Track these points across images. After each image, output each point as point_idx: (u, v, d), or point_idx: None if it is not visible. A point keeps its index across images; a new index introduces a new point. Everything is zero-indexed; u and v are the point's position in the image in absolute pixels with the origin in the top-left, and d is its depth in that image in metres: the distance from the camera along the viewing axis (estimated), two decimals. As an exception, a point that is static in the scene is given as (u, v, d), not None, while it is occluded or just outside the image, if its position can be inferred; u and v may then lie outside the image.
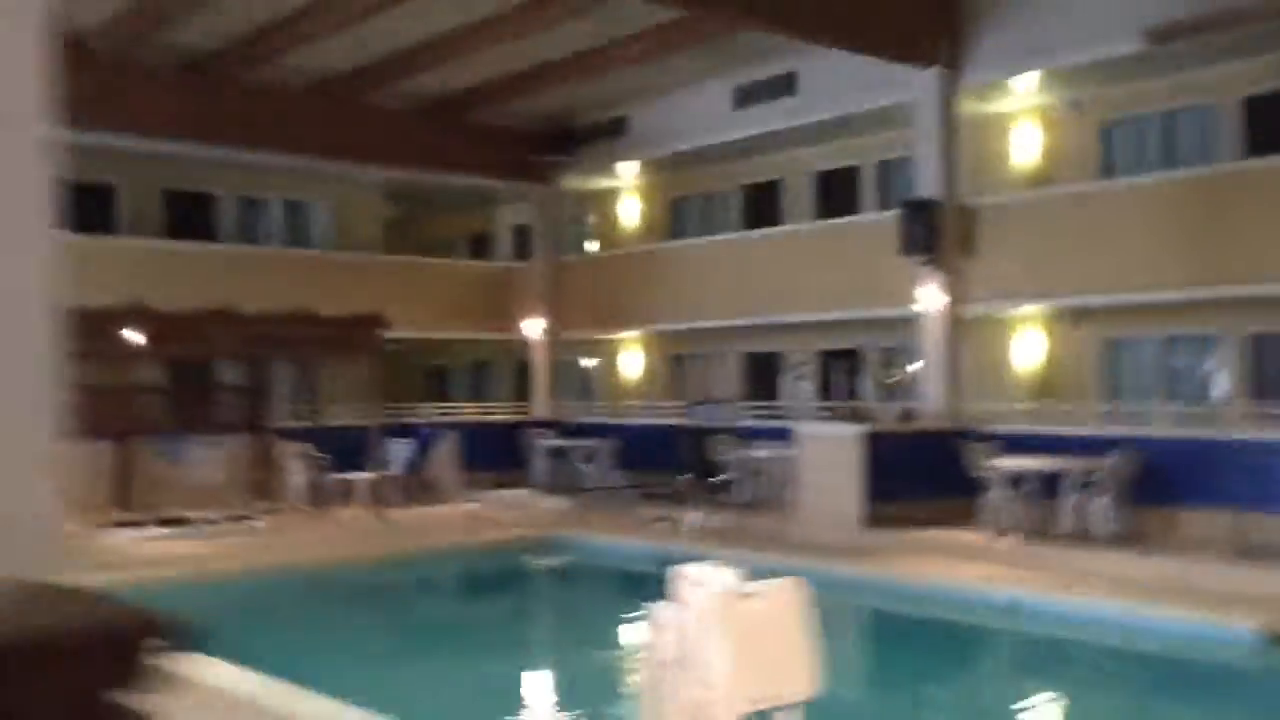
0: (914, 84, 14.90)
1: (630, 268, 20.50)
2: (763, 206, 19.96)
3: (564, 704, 8.26)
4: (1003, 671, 9.73)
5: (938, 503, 12.81)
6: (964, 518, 12.70)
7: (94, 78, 14.57)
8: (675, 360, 21.63)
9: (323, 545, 13.65)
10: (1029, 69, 14.61)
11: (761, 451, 15.14)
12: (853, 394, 17.01)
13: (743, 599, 4.05)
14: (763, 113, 17.42)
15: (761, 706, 4.07)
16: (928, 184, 14.92)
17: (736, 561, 4.63)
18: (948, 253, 14.67)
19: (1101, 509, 11.89)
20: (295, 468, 16.30)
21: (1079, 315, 15.61)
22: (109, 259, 16.98)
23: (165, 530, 13.99)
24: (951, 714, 8.39)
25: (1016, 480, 12.60)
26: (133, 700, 1.50)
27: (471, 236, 26.31)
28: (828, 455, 13.53)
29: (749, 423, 16.74)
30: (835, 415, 15.39)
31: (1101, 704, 8.62)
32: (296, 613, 11.26)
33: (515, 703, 8.37)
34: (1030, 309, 15.78)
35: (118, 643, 1.47)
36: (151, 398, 16.45)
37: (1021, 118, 16.30)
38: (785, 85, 17.03)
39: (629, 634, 10.65)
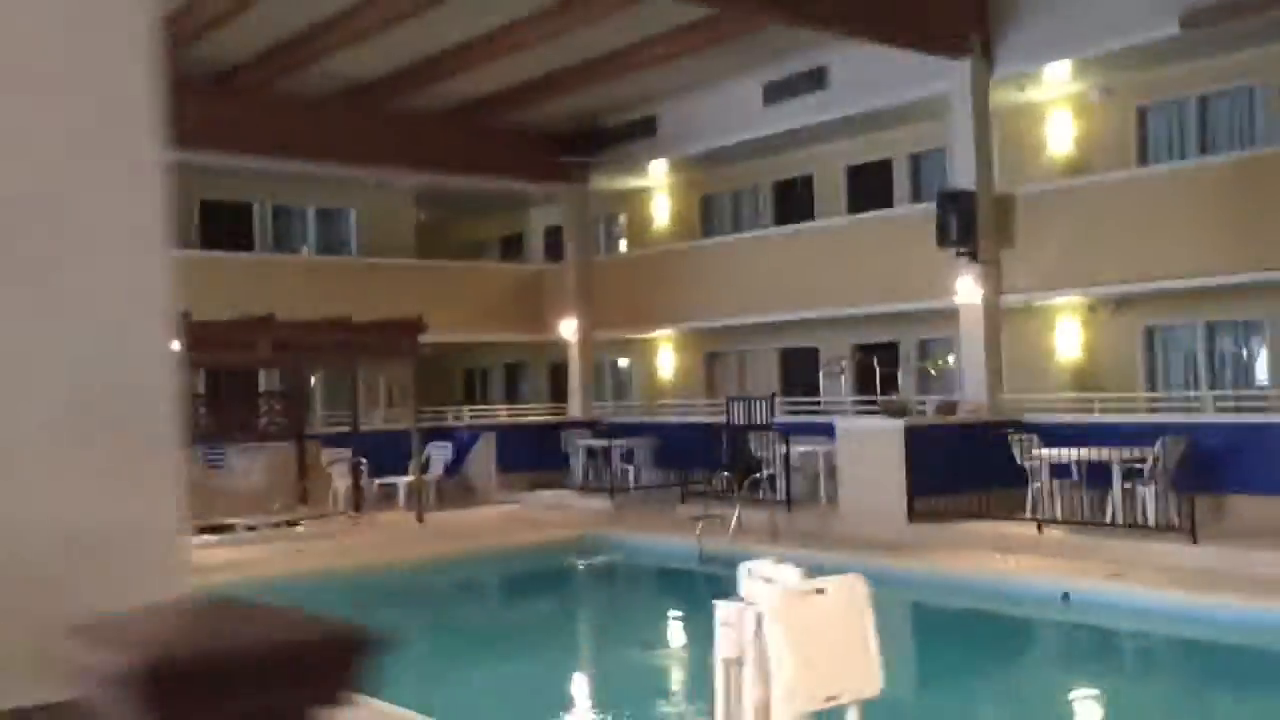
0: (947, 75, 14.80)
1: (663, 266, 20.48)
2: (794, 202, 19.89)
3: (620, 704, 8.26)
4: (1056, 663, 9.66)
5: (981, 495, 12.72)
6: (1008, 510, 12.61)
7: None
8: (710, 358, 21.60)
9: (366, 549, 13.73)
10: (1064, 56, 14.47)
11: (800, 448, 15.09)
12: (890, 388, 16.93)
13: (808, 596, 4.03)
14: (793, 108, 17.36)
15: (828, 704, 4.05)
16: (963, 175, 14.83)
17: (781, 560, 4.61)
18: (985, 243, 14.57)
19: (1150, 497, 11.78)
20: (336, 473, 16.42)
21: (1119, 303, 15.47)
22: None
23: (208, 537, 14.11)
24: (1009, 707, 8.33)
25: (1062, 471, 12.51)
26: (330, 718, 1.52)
27: (503, 239, 26.38)
28: (869, 450, 13.49)
29: (786, 419, 16.69)
30: (875, 410, 15.31)
31: (1156, 694, 8.55)
32: (342, 617, 11.30)
33: (572, 703, 8.38)
34: (1070, 298, 15.64)
35: (327, 659, 1.48)
36: (193, 406, 16.60)
37: (1056, 106, 16.16)
38: (816, 80, 16.96)
39: (682, 632, 10.66)
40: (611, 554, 13.86)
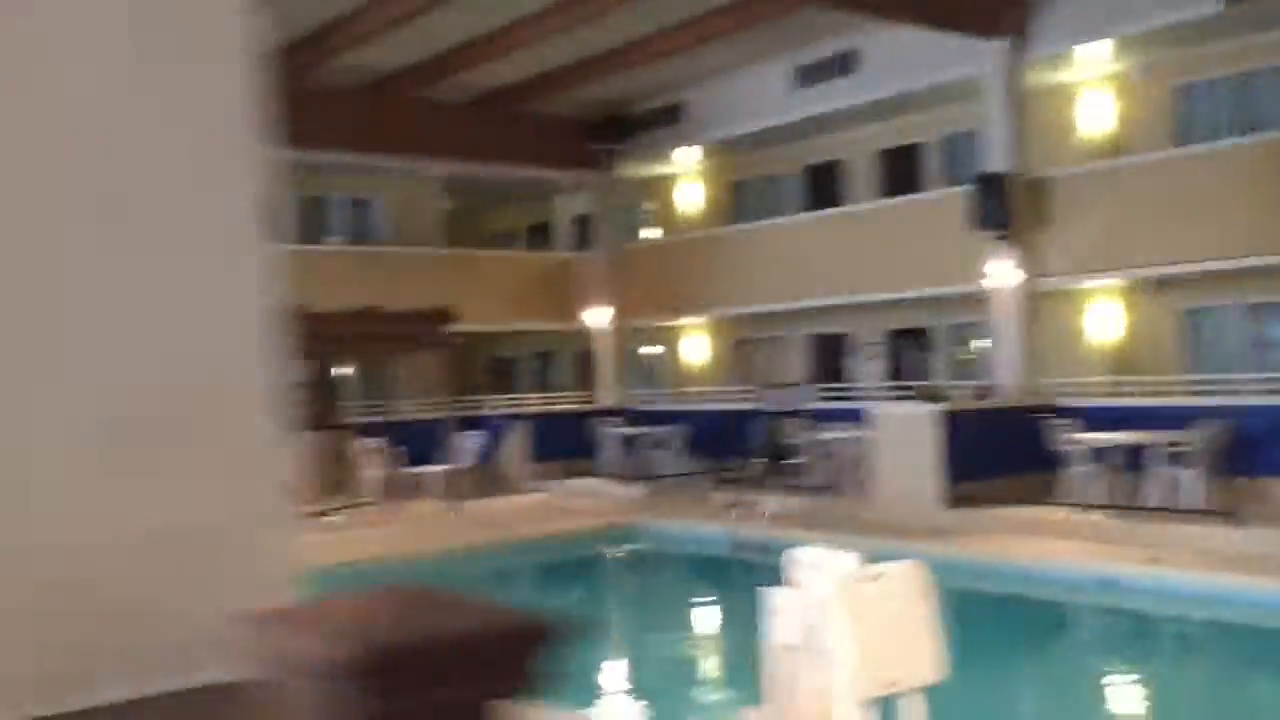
0: (980, 57, 14.65)
1: (692, 253, 20.40)
2: (825, 187, 19.76)
3: (663, 690, 8.23)
4: (1096, 648, 9.56)
5: (1017, 480, 12.62)
6: (1045, 494, 12.51)
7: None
8: (740, 345, 21.51)
9: (399, 539, 13.73)
10: (1101, 36, 14.29)
11: (833, 434, 15.01)
12: (924, 373, 16.82)
13: (866, 583, 3.98)
14: (823, 92, 17.23)
15: (888, 691, 4.00)
16: (997, 158, 14.69)
17: (821, 546, 4.55)
18: (1021, 226, 14.43)
19: (1190, 481, 11.65)
20: (369, 463, 16.43)
21: (1157, 285, 15.29)
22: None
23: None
24: (1050, 691, 8.26)
25: (1100, 454, 12.38)
26: (515, 708, 1.51)
27: (531, 227, 26.36)
28: (904, 435, 13.38)
29: (819, 405, 16.61)
30: (911, 394, 15.21)
31: (1199, 677, 8.46)
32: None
33: (614, 689, 8.35)
34: (1107, 281, 15.47)
35: (516, 648, 1.45)
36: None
37: (1091, 86, 15.97)
38: (846, 63, 16.83)
39: (720, 618, 10.62)
40: (644, 542, 13.82)
